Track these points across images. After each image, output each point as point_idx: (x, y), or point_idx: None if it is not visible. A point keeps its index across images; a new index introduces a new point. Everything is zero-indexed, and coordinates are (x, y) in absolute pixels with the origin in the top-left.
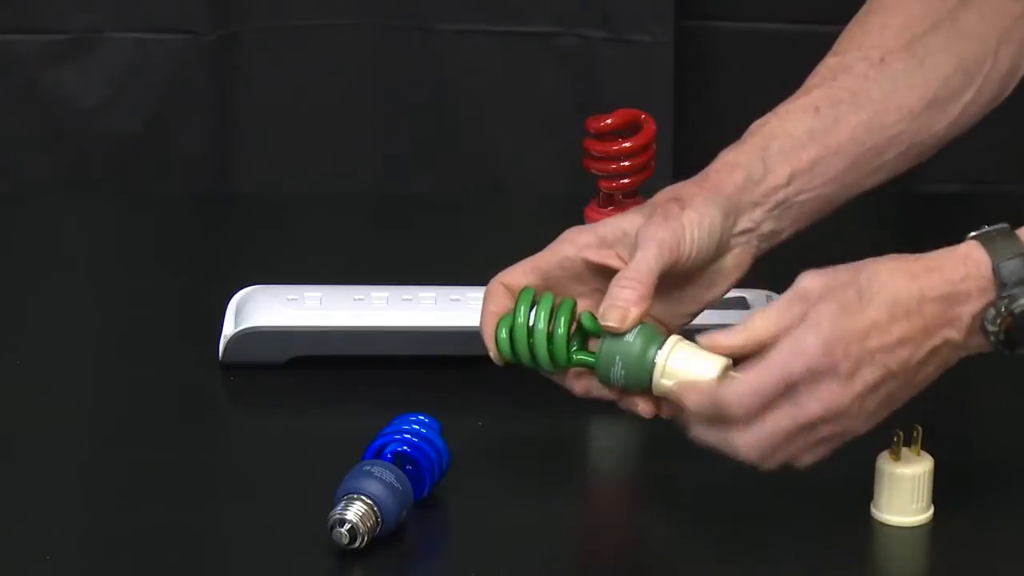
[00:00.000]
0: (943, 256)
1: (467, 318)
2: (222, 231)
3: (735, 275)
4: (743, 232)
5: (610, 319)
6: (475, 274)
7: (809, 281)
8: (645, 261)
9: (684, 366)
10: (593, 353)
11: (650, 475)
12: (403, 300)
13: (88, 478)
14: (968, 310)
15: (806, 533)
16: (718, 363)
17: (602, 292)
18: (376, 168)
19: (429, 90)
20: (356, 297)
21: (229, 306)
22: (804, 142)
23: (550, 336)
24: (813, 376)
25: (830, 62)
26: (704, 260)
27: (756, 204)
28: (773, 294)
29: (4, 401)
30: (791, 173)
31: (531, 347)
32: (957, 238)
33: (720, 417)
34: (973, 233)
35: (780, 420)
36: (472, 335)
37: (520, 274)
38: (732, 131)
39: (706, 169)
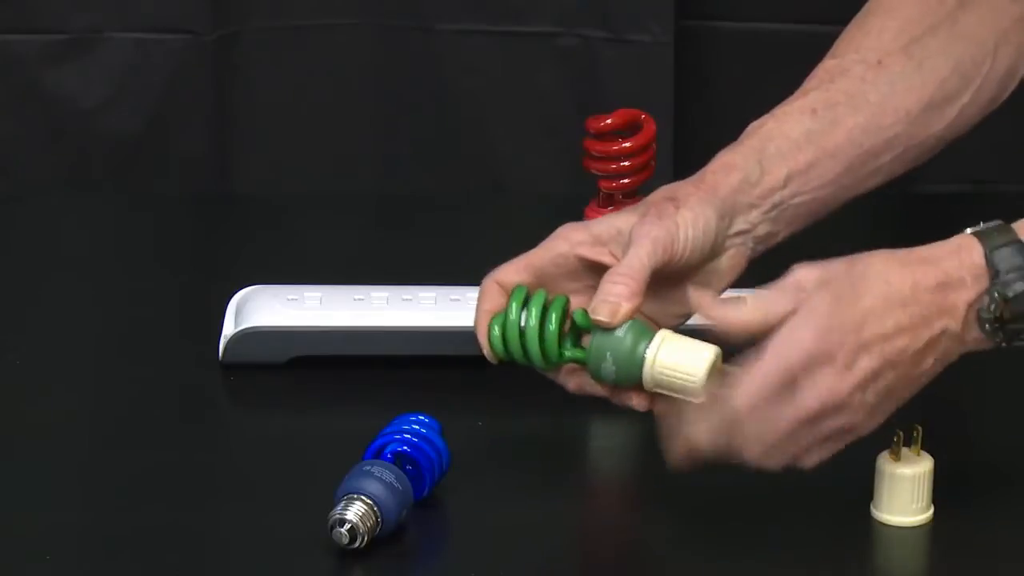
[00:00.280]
0: (936, 248)
1: (467, 318)
2: (222, 231)
3: (730, 276)
4: (738, 233)
5: (601, 314)
6: (475, 274)
7: (803, 273)
8: (638, 258)
9: (673, 359)
10: (584, 349)
11: (650, 475)
12: (403, 300)
13: (88, 478)
14: (963, 298)
15: (806, 533)
16: (707, 356)
17: (595, 289)
18: (376, 168)
19: (429, 90)
20: (356, 297)
21: (229, 306)
22: (801, 144)
23: (541, 333)
24: (810, 367)
25: (828, 64)
26: (698, 260)
27: (752, 206)
28: None
29: (4, 401)
30: (788, 175)
31: (523, 344)
32: None
33: (726, 423)
34: (969, 229)
35: (780, 417)
36: (472, 335)
37: (513, 271)
38: (732, 131)
39: (702, 170)
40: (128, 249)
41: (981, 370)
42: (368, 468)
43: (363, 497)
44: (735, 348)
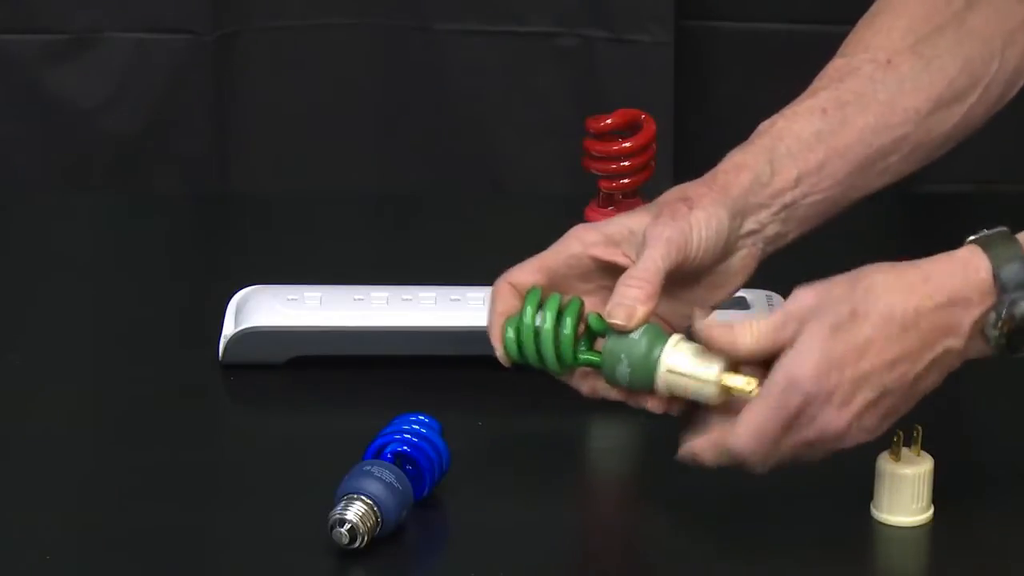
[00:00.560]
0: (941, 262)
1: (467, 318)
2: (222, 231)
3: (741, 277)
4: (749, 234)
5: (617, 317)
6: (475, 274)
7: (803, 296)
8: (652, 260)
9: (687, 364)
10: (599, 353)
11: (650, 475)
12: (403, 300)
13: (88, 478)
14: (969, 317)
15: (806, 533)
16: (718, 363)
17: (608, 290)
18: (376, 168)
19: (429, 90)
20: (356, 297)
21: (229, 306)
22: (811, 144)
23: (557, 337)
24: (809, 406)
25: (837, 64)
26: (711, 261)
27: (762, 206)
28: (774, 294)
29: (4, 401)
30: (798, 175)
31: (538, 348)
32: (958, 238)
33: (732, 462)
34: (972, 237)
35: (780, 448)
36: (472, 335)
37: (527, 273)
38: (732, 131)
39: (713, 170)
40: (128, 249)
41: (981, 370)
42: (368, 468)
43: (363, 497)
44: None
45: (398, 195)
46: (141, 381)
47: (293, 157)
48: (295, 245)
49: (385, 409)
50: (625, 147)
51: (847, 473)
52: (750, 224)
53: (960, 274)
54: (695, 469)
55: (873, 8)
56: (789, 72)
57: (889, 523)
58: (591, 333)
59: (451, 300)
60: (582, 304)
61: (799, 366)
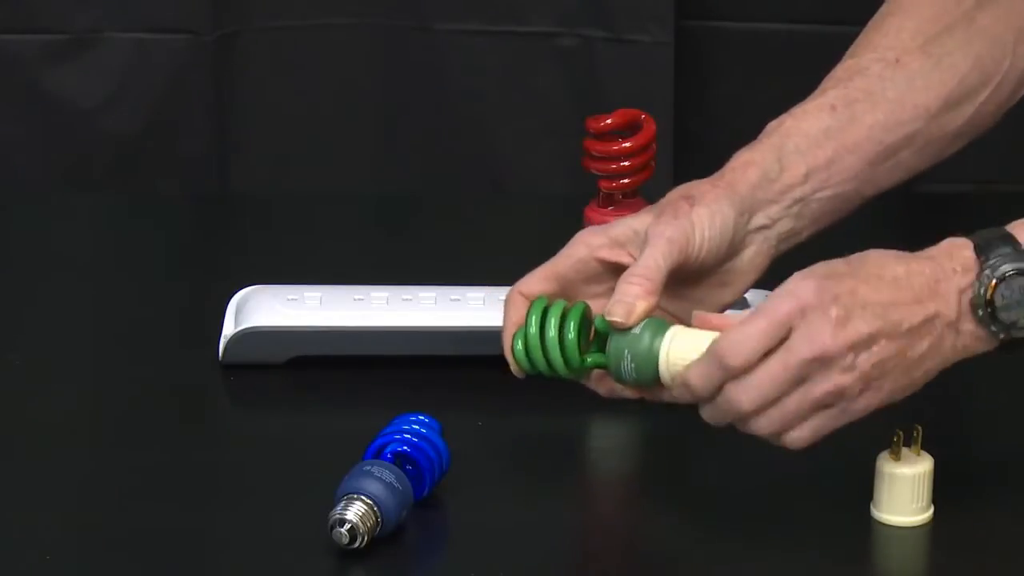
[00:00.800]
0: (929, 249)
1: (467, 318)
2: (222, 231)
3: (751, 275)
4: (759, 229)
5: (616, 314)
6: (475, 274)
7: (799, 277)
8: (652, 258)
9: (687, 351)
10: (606, 354)
11: (650, 475)
12: (403, 300)
13: (88, 478)
14: (954, 285)
15: (806, 533)
16: None
17: None
18: (376, 168)
19: (429, 90)
20: (356, 297)
21: (229, 306)
22: (820, 141)
23: (562, 342)
24: (804, 316)
25: (846, 64)
26: (717, 258)
27: (772, 202)
28: None
29: (4, 401)
30: (807, 171)
31: (545, 355)
32: None
33: (721, 373)
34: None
35: (773, 365)
36: (472, 335)
37: (536, 281)
38: (732, 131)
39: (721, 168)
40: (128, 249)
41: (981, 370)
42: (368, 468)
43: (363, 497)
44: None
45: (398, 195)
46: (141, 381)
47: (293, 157)
48: (295, 245)
49: (385, 409)
50: (625, 147)
51: (847, 473)
52: (759, 220)
53: (945, 255)
54: (692, 462)
55: (882, 10)
56: (789, 72)
57: (889, 523)
58: (600, 335)
59: (451, 300)
60: (587, 308)
61: (799, 282)
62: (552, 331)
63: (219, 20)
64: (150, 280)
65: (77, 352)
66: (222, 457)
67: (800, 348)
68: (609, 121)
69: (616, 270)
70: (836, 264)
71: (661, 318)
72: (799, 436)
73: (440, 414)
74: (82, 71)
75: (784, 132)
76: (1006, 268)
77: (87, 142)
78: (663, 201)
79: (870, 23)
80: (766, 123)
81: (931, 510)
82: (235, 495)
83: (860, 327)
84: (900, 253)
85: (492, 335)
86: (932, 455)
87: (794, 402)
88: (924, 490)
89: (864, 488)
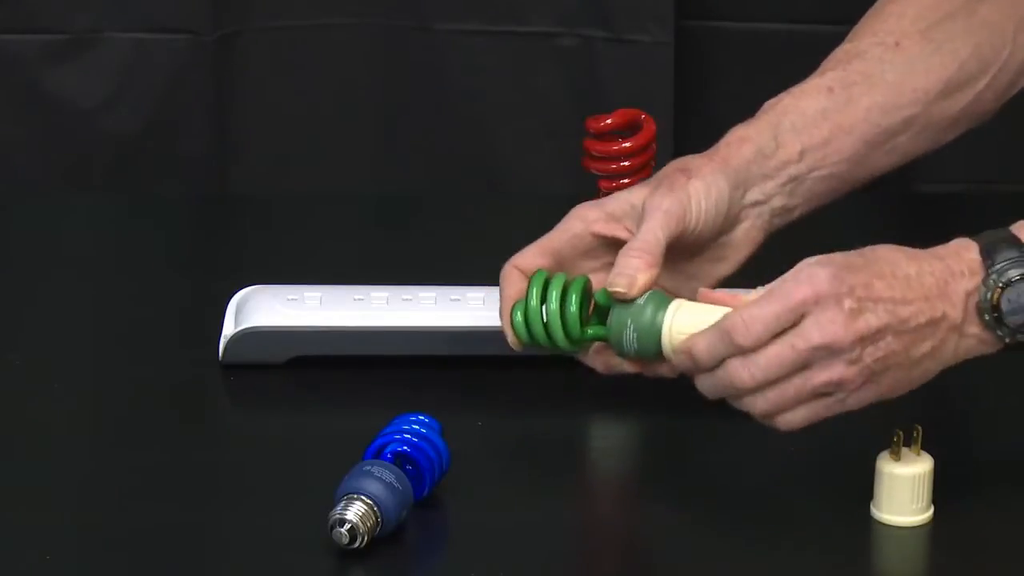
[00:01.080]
0: (936, 248)
1: (467, 318)
2: (222, 231)
3: (746, 249)
4: (754, 204)
5: (618, 286)
6: (475, 274)
7: (810, 261)
8: (651, 231)
9: (690, 324)
10: (607, 326)
11: (650, 475)
12: (403, 300)
13: (88, 478)
14: (962, 287)
15: (806, 533)
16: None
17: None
18: (376, 168)
19: (429, 90)
20: (356, 297)
21: (229, 306)
22: (817, 120)
23: (563, 314)
24: (818, 303)
25: (845, 47)
26: (712, 231)
27: (767, 177)
28: None
29: (4, 401)
30: (803, 149)
31: (546, 327)
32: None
33: (727, 348)
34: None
35: (781, 347)
36: (472, 335)
37: (531, 256)
38: None
39: (717, 144)
40: (128, 249)
41: (981, 370)
42: (368, 468)
43: (363, 497)
44: None
45: (398, 195)
46: (141, 381)
47: (293, 157)
48: (295, 245)
49: (385, 409)
50: (625, 147)
51: (847, 473)
52: (754, 195)
53: (953, 255)
54: (692, 462)
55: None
56: (789, 72)
57: (889, 523)
58: (601, 311)
59: (451, 300)
60: (588, 282)
61: (815, 269)
62: (554, 304)
63: (219, 20)
64: (150, 280)
65: (77, 352)
66: (222, 457)
67: (811, 334)
68: (609, 121)
69: (612, 244)
70: (852, 256)
71: (661, 291)
72: (791, 419)
73: (440, 414)
74: (82, 71)
75: (781, 110)
76: (1012, 273)
77: (87, 142)
78: (659, 174)
79: (870, 10)
80: None
81: (931, 510)
82: (235, 495)
83: (871, 321)
84: (910, 250)
85: (492, 335)
86: (932, 455)
87: (794, 386)
88: (924, 490)
89: (864, 488)
